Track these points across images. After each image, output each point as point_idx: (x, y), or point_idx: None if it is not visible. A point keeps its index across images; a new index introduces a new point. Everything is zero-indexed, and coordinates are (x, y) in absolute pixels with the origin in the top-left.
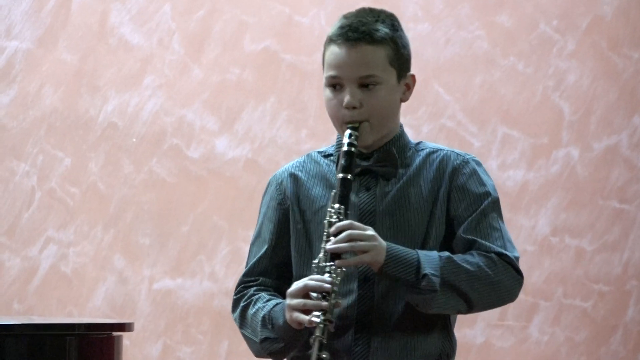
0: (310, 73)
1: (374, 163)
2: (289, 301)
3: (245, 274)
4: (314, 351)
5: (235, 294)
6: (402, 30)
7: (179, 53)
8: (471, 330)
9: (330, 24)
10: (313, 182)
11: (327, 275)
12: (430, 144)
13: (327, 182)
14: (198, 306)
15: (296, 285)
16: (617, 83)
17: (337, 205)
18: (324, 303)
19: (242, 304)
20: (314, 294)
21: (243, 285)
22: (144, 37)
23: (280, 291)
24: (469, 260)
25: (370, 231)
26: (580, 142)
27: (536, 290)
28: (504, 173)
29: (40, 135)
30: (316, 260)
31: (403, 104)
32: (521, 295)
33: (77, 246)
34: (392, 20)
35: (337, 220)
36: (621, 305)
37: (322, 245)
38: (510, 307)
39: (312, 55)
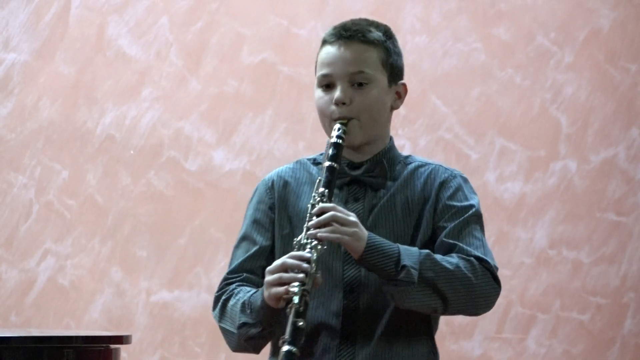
0: (308, 85)
1: (364, 173)
2: (266, 277)
3: (230, 272)
4: (290, 317)
5: (217, 291)
6: (396, 40)
7: (177, 65)
8: (469, 342)
9: None
10: (302, 189)
11: (307, 251)
12: (419, 157)
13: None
14: (195, 318)
15: (275, 262)
16: (614, 95)
17: (321, 189)
18: (300, 275)
19: (223, 298)
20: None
21: (226, 282)
22: (142, 49)
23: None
24: (449, 260)
25: (353, 217)
26: (577, 155)
27: (533, 302)
28: (501, 185)
29: (38, 148)
30: (297, 238)
31: (399, 116)
32: (519, 308)
33: (74, 258)
34: (386, 29)
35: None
36: (618, 318)
37: (305, 225)
38: (507, 320)
39: (310, 67)
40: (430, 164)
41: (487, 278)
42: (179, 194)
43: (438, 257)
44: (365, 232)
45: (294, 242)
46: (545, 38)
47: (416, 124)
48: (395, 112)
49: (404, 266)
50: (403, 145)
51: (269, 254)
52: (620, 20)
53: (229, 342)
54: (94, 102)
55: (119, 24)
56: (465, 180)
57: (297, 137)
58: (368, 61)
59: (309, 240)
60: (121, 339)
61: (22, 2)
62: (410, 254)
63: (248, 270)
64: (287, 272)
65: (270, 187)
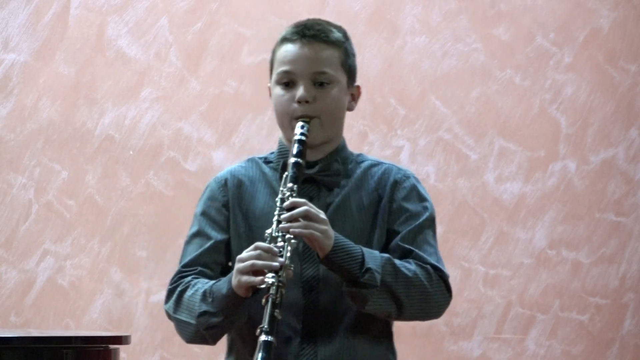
0: None
1: (318, 172)
2: (237, 265)
3: (184, 265)
4: (267, 309)
5: (171, 284)
6: (352, 43)
7: (176, 66)
8: (468, 343)
9: None
10: (256, 188)
11: (279, 244)
12: (370, 157)
13: (270, 189)
14: None
15: (247, 250)
16: (614, 96)
17: (290, 185)
18: (275, 264)
19: (179, 289)
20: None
21: (180, 275)
22: (142, 50)
23: None
24: (407, 266)
25: (324, 215)
26: (577, 155)
27: (533, 303)
28: (500, 186)
29: (38, 148)
30: (269, 231)
31: (399, 116)
32: (518, 308)
33: (74, 259)
34: (343, 31)
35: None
36: (618, 319)
37: (275, 218)
38: (507, 320)
39: None
40: (382, 163)
41: (441, 287)
42: (179, 195)
43: (398, 262)
44: (332, 230)
45: (266, 235)
46: (545, 38)
47: (416, 125)
48: (394, 112)
49: (368, 269)
50: (402, 145)
51: (225, 250)
52: (620, 20)
53: (182, 333)
54: (94, 103)
55: (118, 24)
56: (418, 181)
57: None
58: (330, 61)
59: (281, 234)
60: (121, 340)
61: (22, 2)
62: (373, 257)
63: (203, 264)
64: (261, 261)
65: (224, 185)
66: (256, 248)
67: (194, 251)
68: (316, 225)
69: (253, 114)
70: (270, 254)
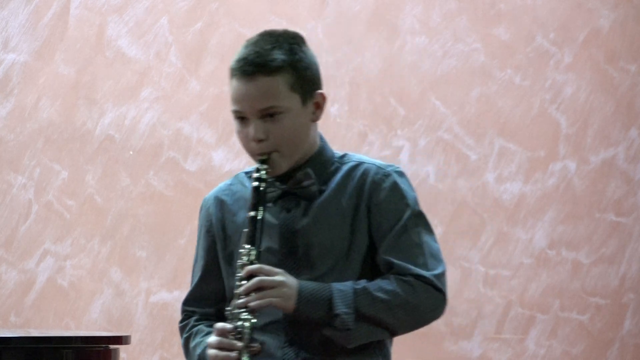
0: None
1: (292, 185)
2: (208, 351)
3: (186, 302)
4: None
5: (180, 322)
6: (304, 51)
7: (176, 66)
8: (468, 343)
9: (328, 36)
10: (238, 205)
11: (239, 324)
12: (356, 156)
13: (249, 206)
14: None
15: (212, 338)
16: (614, 96)
17: (247, 246)
18: (233, 354)
19: (185, 335)
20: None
21: (185, 314)
22: (141, 50)
23: (221, 315)
24: (385, 288)
25: (279, 277)
26: (577, 155)
27: (533, 303)
28: (500, 186)
29: (38, 148)
30: (229, 307)
31: (399, 117)
32: (518, 308)
33: (74, 259)
34: (291, 44)
35: (248, 262)
36: (618, 319)
37: (235, 291)
38: (507, 320)
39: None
40: (363, 163)
41: (427, 293)
42: (179, 195)
43: (374, 287)
44: (294, 286)
45: (227, 312)
46: (544, 38)
47: (416, 125)
48: (394, 112)
49: (336, 315)
50: (402, 145)
51: (215, 276)
52: (620, 20)
53: None
54: (94, 103)
55: (118, 24)
56: (401, 174)
57: None
58: (275, 92)
59: (241, 310)
60: (120, 340)
61: (21, 2)
62: (344, 295)
63: (201, 297)
64: (223, 350)
65: (207, 210)
66: (217, 333)
67: (195, 279)
68: (272, 292)
69: None
70: (231, 340)
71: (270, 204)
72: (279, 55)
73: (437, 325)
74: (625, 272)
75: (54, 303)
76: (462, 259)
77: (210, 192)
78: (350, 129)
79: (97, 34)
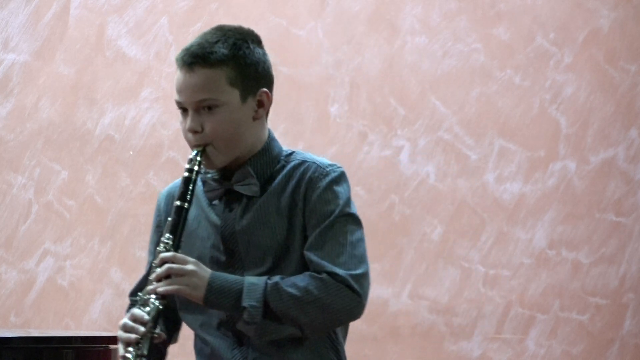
0: (307, 85)
1: (234, 183)
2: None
3: (131, 293)
4: None
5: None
6: (250, 48)
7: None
8: (468, 343)
9: (328, 37)
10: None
11: (146, 309)
12: (301, 154)
13: (199, 203)
14: None
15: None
16: (613, 96)
17: (167, 235)
18: (133, 336)
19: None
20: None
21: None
22: (141, 50)
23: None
24: (297, 284)
25: (190, 265)
26: (577, 155)
27: (533, 303)
28: (500, 186)
29: (38, 148)
30: (141, 293)
31: (399, 116)
32: (518, 308)
33: (74, 259)
34: (237, 39)
35: (164, 250)
36: (618, 319)
37: (150, 277)
38: (507, 320)
39: (309, 68)
40: (307, 161)
41: (341, 292)
42: None
43: (286, 283)
44: (205, 277)
45: (138, 297)
46: (544, 38)
47: (416, 125)
48: (394, 112)
49: (244, 308)
50: (402, 145)
51: None
52: (619, 20)
53: None
54: (94, 103)
55: (118, 24)
56: (340, 176)
57: (296, 138)
58: (213, 85)
59: (150, 296)
60: None
61: (21, 2)
62: (253, 289)
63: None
64: (126, 333)
65: (158, 205)
66: (130, 317)
67: (144, 273)
68: (181, 280)
69: None
70: (136, 322)
71: (216, 202)
72: (220, 49)
73: (437, 325)
74: (625, 272)
75: (54, 303)
76: (462, 259)
77: (165, 188)
78: (350, 129)
79: (97, 34)
